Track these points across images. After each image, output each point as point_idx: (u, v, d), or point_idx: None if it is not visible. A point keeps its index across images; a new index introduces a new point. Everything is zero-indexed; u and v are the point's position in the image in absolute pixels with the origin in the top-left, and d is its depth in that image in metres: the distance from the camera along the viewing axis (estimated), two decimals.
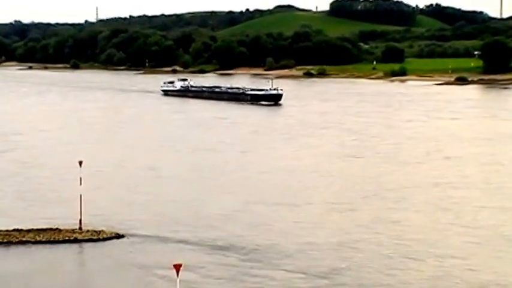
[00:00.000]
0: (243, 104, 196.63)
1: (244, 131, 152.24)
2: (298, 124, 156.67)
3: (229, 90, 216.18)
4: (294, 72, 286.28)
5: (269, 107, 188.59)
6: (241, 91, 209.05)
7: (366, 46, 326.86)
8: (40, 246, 65.80)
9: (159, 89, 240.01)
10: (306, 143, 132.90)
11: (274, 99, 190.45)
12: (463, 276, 57.03)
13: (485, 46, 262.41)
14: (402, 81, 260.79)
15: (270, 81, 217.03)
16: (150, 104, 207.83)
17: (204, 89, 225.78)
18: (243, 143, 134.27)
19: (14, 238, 67.50)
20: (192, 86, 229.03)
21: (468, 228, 71.02)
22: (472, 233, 69.59)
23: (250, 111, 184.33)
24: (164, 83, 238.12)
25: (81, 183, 69.57)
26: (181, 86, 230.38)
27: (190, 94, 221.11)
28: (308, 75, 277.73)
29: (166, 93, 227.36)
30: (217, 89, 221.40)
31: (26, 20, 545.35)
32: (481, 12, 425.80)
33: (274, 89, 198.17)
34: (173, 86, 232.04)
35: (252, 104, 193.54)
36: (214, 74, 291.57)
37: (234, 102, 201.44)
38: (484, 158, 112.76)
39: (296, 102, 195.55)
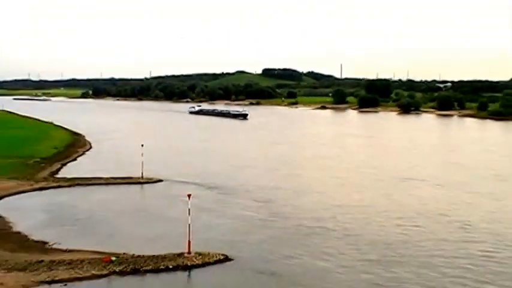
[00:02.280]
0: (228, 118, 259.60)
1: (226, 129, 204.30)
2: (253, 128, 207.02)
3: (221, 111, 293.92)
4: (245, 102, 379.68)
5: (242, 120, 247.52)
6: (227, 111, 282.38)
7: (279, 90, 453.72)
8: (120, 187, 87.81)
9: (186, 110, 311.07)
10: (254, 134, 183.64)
11: (245, 116, 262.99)
12: (327, 201, 76.93)
13: (334, 92, 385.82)
14: (296, 107, 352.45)
15: (243, 107, 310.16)
16: (182, 117, 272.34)
17: (209, 110, 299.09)
18: (226, 134, 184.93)
19: (103, 181, 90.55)
20: (202, 109, 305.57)
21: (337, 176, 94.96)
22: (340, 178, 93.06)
23: (232, 121, 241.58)
24: (190, 107, 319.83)
25: (142, 155, 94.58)
26: (198, 109, 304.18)
27: (201, 113, 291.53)
28: (252, 104, 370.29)
29: (190, 112, 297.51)
30: (215, 110, 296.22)
31: (116, 76, 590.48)
32: (331, 76, 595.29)
33: (244, 111, 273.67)
34: (193, 109, 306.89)
35: (233, 118, 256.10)
36: (207, 103, 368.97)
37: (224, 117, 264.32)
38: (336, 144, 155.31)
39: (253, 117, 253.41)
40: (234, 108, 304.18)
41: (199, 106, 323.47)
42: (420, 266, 49.74)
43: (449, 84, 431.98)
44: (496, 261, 51.33)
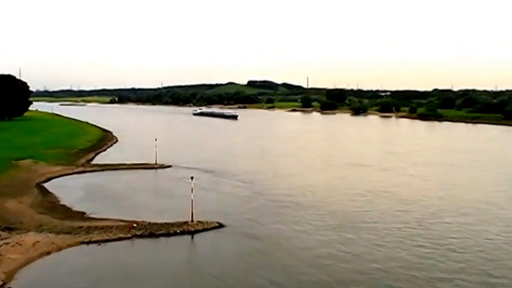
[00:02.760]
0: (222, 118, 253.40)
1: (221, 127, 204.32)
2: (242, 126, 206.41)
3: (217, 113, 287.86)
4: (235, 106, 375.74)
5: (233, 120, 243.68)
6: (221, 113, 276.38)
7: (260, 97, 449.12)
8: (138, 171, 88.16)
9: (190, 112, 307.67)
10: (242, 131, 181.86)
11: (235, 117, 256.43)
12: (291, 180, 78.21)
13: (302, 98, 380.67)
14: (273, 110, 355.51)
15: (234, 109, 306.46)
16: (187, 117, 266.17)
17: (208, 112, 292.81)
18: (220, 131, 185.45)
19: (125, 166, 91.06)
20: (203, 111, 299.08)
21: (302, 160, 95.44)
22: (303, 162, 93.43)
23: (225, 121, 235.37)
24: (193, 110, 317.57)
25: (156, 147, 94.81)
26: (200, 111, 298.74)
27: (202, 114, 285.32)
28: (240, 107, 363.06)
29: (194, 114, 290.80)
30: (213, 112, 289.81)
31: (136, 86, 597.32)
32: (300, 86, 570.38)
33: (235, 113, 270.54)
34: (195, 111, 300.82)
35: (227, 119, 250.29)
36: (206, 107, 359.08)
37: (219, 118, 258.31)
38: (304, 138, 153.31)
39: (242, 117, 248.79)
40: (227, 110, 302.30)
41: (201, 109, 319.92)
42: (368, 230, 50.49)
43: (388, 92, 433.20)
44: (423, 226, 52.24)
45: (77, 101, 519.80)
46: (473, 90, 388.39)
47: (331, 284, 37.36)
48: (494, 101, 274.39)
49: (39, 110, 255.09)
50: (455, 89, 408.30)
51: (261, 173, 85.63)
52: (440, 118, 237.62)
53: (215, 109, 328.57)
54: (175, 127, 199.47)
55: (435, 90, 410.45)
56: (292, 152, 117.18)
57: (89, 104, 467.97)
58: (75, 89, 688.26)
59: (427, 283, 37.30)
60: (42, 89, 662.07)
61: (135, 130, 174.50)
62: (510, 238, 48.65)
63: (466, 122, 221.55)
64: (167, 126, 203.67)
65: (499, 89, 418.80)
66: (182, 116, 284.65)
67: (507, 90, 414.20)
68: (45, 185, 73.33)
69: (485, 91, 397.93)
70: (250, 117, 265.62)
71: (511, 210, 60.68)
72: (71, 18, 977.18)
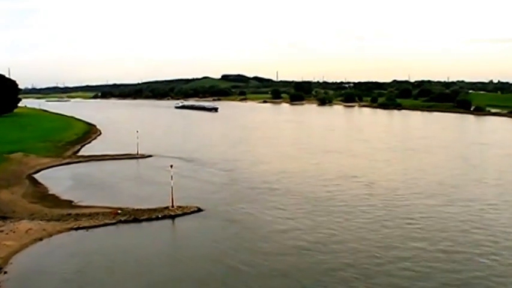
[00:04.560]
0: (204, 111, 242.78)
1: (202, 118, 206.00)
2: (221, 117, 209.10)
3: (199, 106, 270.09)
4: (210, 99, 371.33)
5: (214, 112, 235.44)
6: (203, 106, 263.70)
7: (233, 90, 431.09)
8: (121, 161, 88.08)
9: (170, 105, 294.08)
10: (221, 122, 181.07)
11: (216, 109, 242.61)
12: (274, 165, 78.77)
13: (272, 90, 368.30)
14: (246, 102, 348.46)
15: (211, 102, 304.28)
16: (170, 111, 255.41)
17: (190, 105, 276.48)
18: (201, 122, 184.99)
19: (109, 157, 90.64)
20: (185, 105, 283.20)
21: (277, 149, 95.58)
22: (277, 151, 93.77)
23: (206, 113, 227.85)
24: (176, 103, 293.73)
25: (138, 138, 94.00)
26: (181, 104, 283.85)
27: (184, 107, 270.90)
28: (215, 100, 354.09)
29: (176, 107, 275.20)
30: (194, 105, 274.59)
31: (117, 82, 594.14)
32: (270, 79, 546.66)
33: (215, 105, 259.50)
34: (178, 104, 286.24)
35: (208, 111, 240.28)
36: (183, 100, 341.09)
37: (200, 110, 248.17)
38: (277, 127, 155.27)
39: (220, 110, 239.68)
40: (208, 103, 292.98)
41: (182, 102, 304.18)
42: (339, 214, 50.60)
43: (351, 84, 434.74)
44: (389, 207, 53.08)
45: (62, 97, 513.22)
46: (428, 81, 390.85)
47: (302, 265, 37.35)
48: (447, 91, 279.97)
49: (28, 106, 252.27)
50: (412, 80, 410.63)
51: (238, 161, 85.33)
52: (399, 107, 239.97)
53: (196, 102, 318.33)
54: (158, 120, 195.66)
55: (394, 81, 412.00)
56: (268, 141, 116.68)
57: (72, 100, 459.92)
58: (60, 85, 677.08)
59: (390, 262, 37.50)
60: (30, 87, 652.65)
61: (118, 123, 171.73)
62: (468, 217, 49.32)
63: (422, 111, 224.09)
64: (150, 119, 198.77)
65: (451, 79, 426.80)
66: (165, 109, 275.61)
67: (458, 81, 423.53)
68: (36, 176, 72.98)
69: (439, 82, 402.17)
70: (229, 109, 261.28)
71: (469, 190, 61.67)
72: (56, 20, 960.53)
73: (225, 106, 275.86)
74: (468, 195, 59.05)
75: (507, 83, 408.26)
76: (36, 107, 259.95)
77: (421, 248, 40.31)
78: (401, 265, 36.97)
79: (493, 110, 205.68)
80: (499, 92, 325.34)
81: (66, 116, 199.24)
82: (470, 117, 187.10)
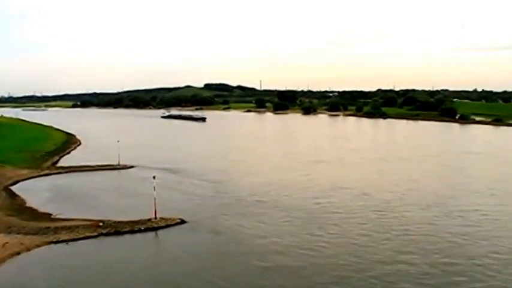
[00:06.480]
0: (191, 121, 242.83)
1: (190, 128, 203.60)
2: (209, 127, 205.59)
3: (186, 115, 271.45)
4: (192, 108, 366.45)
5: (201, 122, 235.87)
6: (190, 116, 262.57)
7: (217, 99, 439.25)
8: (102, 172, 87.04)
9: (155, 115, 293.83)
10: (209, 132, 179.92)
11: (204, 119, 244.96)
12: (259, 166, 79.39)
13: (256, 99, 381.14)
14: (229, 111, 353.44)
15: (196, 111, 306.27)
16: (155, 120, 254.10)
17: (177, 115, 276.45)
18: (189, 132, 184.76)
19: (89, 168, 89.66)
20: (171, 114, 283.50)
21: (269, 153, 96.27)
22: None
23: (194, 123, 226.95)
24: (162, 113, 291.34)
25: (118, 148, 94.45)
26: (168, 114, 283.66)
27: (171, 117, 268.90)
28: (197, 109, 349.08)
29: (162, 117, 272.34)
30: (181, 115, 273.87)
31: (97, 91, 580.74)
32: (254, 88, 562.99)
33: (203, 115, 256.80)
34: (164, 114, 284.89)
35: (196, 121, 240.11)
36: (165, 109, 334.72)
37: (188, 120, 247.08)
38: (264, 137, 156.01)
39: (208, 119, 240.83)
40: (196, 113, 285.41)
41: (169, 112, 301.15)
42: (329, 228, 49.92)
43: (336, 93, 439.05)
44: (380, 215, 53.83)
45: (39, 106, 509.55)
46: (413, 90, 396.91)
47: (283, 282, 36.39)
48: (432, 99, 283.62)
49: (4, 115, 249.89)
50: (397, 89, 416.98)
51: (226, 172, 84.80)
52: (384, 116, 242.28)
53: (183, 112, 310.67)
54: (144, 130, 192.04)
55: (379, 90, 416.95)
56: (257, 151, 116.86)
57: (50, 109, 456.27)
58: (38, 94, 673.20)
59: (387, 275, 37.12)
60: (6, 96, 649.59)
61: (99, 133, 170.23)
62: (464, 229, 49.05)
63: (408, 119, 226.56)
64: (136, 129, 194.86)
65: (435, 88, 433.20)
66: (148, 118, 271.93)
67: (442, 90, 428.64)
68: (13, 187, 72.15)
69: (423, 90, 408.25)
70: (215, 119, 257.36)
71: (464, 201, 61.70)
72: (33, 28, 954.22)
73: (211, 116, 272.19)
74: (463, 206, 58.57)
75: (491, 91, 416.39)
76: (13, 116, 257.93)
77: (414, 263, 39.53)
78: (392, 279, 36.53)
79: (478, 119, 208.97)
80: (483, 101, 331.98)
81: (44, 125, 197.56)
82: (456, 126, 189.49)
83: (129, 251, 44.38)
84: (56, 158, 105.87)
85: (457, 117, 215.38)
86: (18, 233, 47.56)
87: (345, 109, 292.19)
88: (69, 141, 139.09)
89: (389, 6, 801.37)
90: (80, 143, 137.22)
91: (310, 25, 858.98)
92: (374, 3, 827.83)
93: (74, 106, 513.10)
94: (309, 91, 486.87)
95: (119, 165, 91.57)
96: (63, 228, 48.96)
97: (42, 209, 58.65)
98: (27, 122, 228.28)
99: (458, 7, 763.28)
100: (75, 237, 46.69)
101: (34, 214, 56.35)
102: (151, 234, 48.88)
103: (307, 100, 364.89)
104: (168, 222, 51.42)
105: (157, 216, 52.01)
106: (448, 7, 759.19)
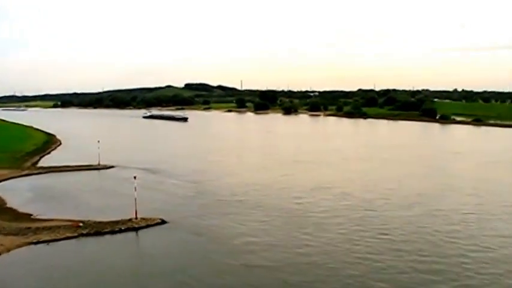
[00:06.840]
0: (173, 121, 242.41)
1: (172, 128, 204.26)
2: (190, 127, 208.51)
3: (168, 115, 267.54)
4: (173, 108, 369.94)
5: (183, 122, 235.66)
6: (172, 116, 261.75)
7: (197, 99, 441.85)
8: (82, 172, 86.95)
9: (135, 115, 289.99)
10: (191, 132, 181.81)
11: (185, 119, 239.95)
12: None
13: (237, 99, 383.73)
14: (210, 111, 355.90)
15: (177, 111, 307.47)
16: (137, 120, 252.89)
17: (159, 115, 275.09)
18: (171, 132, 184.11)
19: (70, 168, 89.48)
20: (153, 114, 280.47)
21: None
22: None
23: (176, 123, 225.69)
24: (144, 113, 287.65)
25: (99, 148, 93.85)
26: (149, 114, 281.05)
27: (153, 117, 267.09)
28: (178, 109, 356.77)
29: (144, 117, 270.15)
30: (163, 115, 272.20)
31: (78, 91, 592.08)
32: (234, 88, 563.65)
33: (185, 115, 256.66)
34: (145, 114, 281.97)
35: (177, 121, 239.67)
36: (146, 109, 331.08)
37: (170, 120, 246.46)
38: (244, 136, 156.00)
39: (190, 119, 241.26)
40: (177, 113, 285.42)
41: (151, 112, 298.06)
42: (310, 228, 50.17)
43: (317, 93, 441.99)
44: (361, 215, 54.03)
45: (19, 106, 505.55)
46: (394, 90, 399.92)
47: (262, 283, 36.44)
48: (413, 99, 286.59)
49: None
50: (377, 88, 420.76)
51: (206, 172, 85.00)
52: (364, 116, 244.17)
53: (164, 112, 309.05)
54: (125, 130, 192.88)
55: (359, 90, 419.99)
56: (238, 151, 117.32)
57: (30, 109, 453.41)
58: (18, 94, 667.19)
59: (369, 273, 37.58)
60: None
61: (80, 133, 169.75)
62: (447, 227, 49.70)
63: (388, 119, 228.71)
64: (116, 129, 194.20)
65: (416, 88, 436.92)
66: (129, 118, 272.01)
67: (423, 90, 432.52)
68: None
69: (404, 90, 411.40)
70: (196, 118, 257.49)
71: (447, 200, 62.01)
72: (12, 27, 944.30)
73: (192, 116, 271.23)
74: (445, 206, 58.82)
75: (471, 91, 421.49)
76: None
77: (393, 263, 39.54)
78: (377, 277, 36.87)
79: (458, 119, 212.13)
80: (463, 101, 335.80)
81: (24, 125, 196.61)
82: (436, 126, 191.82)
83: (110, 251, 44.54)
84: (37, 158, 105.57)
85: (437, 117, 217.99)
86: None
87: (326, 109, 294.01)
88: (49, 142, 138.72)
89: (368, 8, 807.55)
90: (61, 143, 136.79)
91: (289, 25, 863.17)
92: (352, 4, 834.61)
93: (54, 106, 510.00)
94: (290, 91, 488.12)
95: (99, 165, 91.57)
96: (43, 228, 48.94)
97: (23, 209, 58.39)
98: (7, 122, 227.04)
99: (454, 7, 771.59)
100: (56, 237, 46.66)
101: (14, 214, 56.12)
102: (131, 234, 48.96)
103: (288, 100, 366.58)
104: (149, 223, 51.52)
105: (138, 216, 52.13)
106: (435, 7, 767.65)
